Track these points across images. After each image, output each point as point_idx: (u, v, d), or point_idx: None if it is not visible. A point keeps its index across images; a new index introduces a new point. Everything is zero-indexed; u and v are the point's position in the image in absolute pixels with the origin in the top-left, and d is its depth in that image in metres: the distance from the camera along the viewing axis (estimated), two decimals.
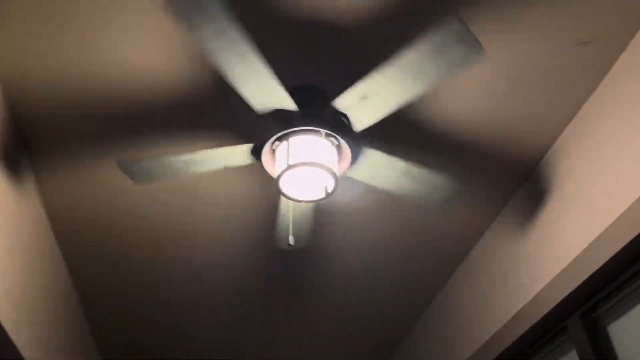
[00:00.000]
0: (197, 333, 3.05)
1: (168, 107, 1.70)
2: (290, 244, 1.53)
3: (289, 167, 1.49)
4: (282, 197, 1.72)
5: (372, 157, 1.63)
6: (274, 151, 1.60)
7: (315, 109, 1.55)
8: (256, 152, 1.63)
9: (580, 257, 1.72)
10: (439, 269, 2.59)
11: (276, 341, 3.20)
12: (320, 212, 2.19)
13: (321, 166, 1.49)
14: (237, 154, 1.63)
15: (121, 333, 2.99)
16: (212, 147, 1.82)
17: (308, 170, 1.50)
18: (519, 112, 1.80)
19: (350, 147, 1.57)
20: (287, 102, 1.47)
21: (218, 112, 1.73)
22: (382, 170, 1.65)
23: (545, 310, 1.86)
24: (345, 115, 1.50)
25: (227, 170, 1.95)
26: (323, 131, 1.52)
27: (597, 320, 1.77)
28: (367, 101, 1.45)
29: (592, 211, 1.66)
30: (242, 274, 2.56)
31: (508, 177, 2.05)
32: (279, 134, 1.53)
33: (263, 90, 1.42)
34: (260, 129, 1.78)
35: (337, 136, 1.53)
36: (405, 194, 1.73)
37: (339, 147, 1.59)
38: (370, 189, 2.08)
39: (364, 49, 1.55)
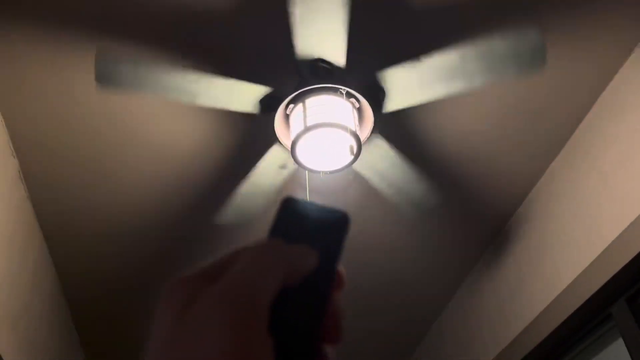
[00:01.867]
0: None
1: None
2: None
3: (306, 129, 1.33)
4: (267, 161, 1.50)
5: (399, 76, 1.43)
6: (287, 116, 1.44)
7: (355, 71, 1.38)
8: (265, 104, 1.43)
9: (623, 235, 1.56)
10: (462, 258, 2.42)
11: None
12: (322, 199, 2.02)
13: (344, 127, 1.33)
14: (244, 95, 1.37)
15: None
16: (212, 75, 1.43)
17: (326, 133, 1.34)
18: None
19: (371, 95, 1.40)
20: (336, 54, 1.29)
21: (235, 42, 1.46)
22: (383, 162, 1.49)
23: (586, 297, 1.69)
24: (383, 91, 1.34)
25: (216, 110, 1.58)
26: (344, 89, 1.36)
27: None
28: (416, 83, 1.30)
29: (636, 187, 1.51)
30: None
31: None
32: (300, 90, 1.36)
33: (319, 29, 1.22)
34: (276, 80, 1.48)
35: (359, 96, 1.38)
36: (389, 194, 1.59)
37: (359, 110, 1.43)
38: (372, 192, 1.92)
39: (424, 30, 1.41)
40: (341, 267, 0.30)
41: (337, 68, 1.33)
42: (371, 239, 2.24)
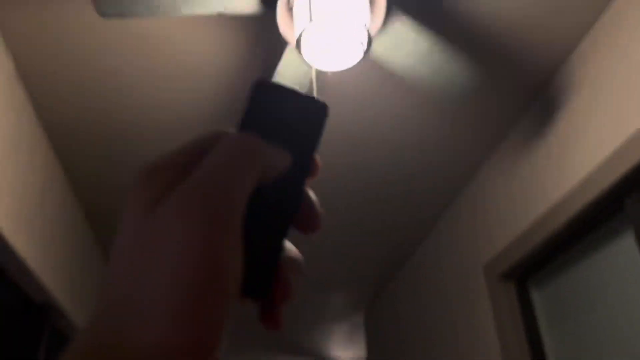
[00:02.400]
0: None
1: None
2: None
3: (313, 24, 1.22)
4: (285, 64, 1.43)
5: (400, 25, 1.34)
6: (290, 9, 1.32)
7: None
8: (266, 1, 1.32)
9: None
10: (471, 153, 2.37)
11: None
12: (331, 95, 1.93)
13: (352, 22, 1.22)
14: None
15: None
16: None
17: (336, 25, 1.23)
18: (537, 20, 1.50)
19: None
20: None
21: None
22: (407, 44, 1.36)
23: (601, 188, 1.67)
24: None
25: (220, 17, 1.55)
26: None
27: None
28: None
29: None
30: None
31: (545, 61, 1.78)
32: None
33: None
34: None
35: None
36: (422, 80, 1.46)
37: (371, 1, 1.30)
38: (388, 75, 1.80)
39: None
40: (317, 157, 0.29)
41: None
42: (390, 125, 2.19)
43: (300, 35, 1.24)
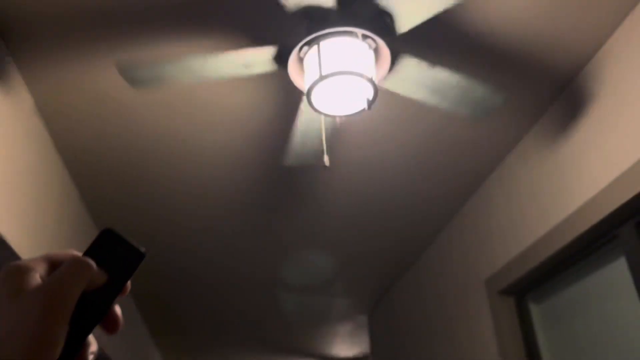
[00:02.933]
0: (198, 246, 3.01)
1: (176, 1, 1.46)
2: (325, 165, 1.37)
3: (322, 77, 1.29)
4: (303, 110, 1.53)
5: (410, 64, 1.42)
6: (301, 59, 1.39)
7: (353, 6, 1.31)
8: (279, 58, 1.42)
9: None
10: (469, 178, 2.45)
11: (288, 252, 3.17)
12: (340, 126, 2.01)
13: (359, 75, 1.29)
14: (257, 59, 1.40)
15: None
16: (225, 50, 1.60)
17: (343, 79, 1.31)
18: (562, 18, 1.57)
19: (389, 50, 1.36)
20: None
21: (235, 8, 1.50)
22: (418, 79, 1.43)
23: (597, 219, 1.74)
24: (389, 15, 1.27)
25: (240, 78, 1.74)
26: (360, 32, 1.30)
27: None
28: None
29: None
30: (249, 187, 2.44)
31: (549, 83, 1.84)
32: (309, 37, 1.31)
33: None
34: (283, 31, 1.55)
35: (375, 37, 1.31)
36: (442, 105, 1.54)
37: (376, 50, 1.37)
38: (396, 101, 1.88)
39: None
40: (128, 284, 0.44)
41: (329, 10, 1.26)
42: (372, 166, 2.26)
43: (311, 87, 1.31)
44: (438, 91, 1.47)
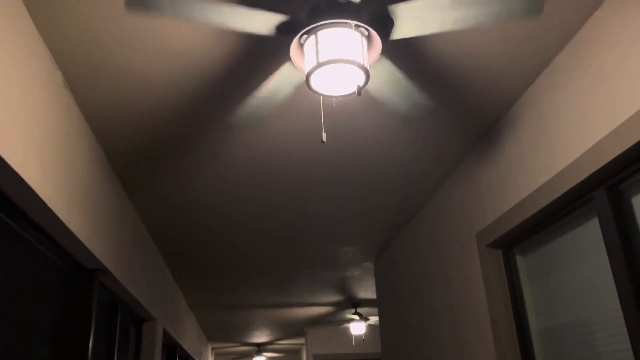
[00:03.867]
0: (215, 199, 3.23)
1: None
2: (323, 141, 1.55)
3: (318, 64, 1.45)
4: (280, 73, 1.68)
5: (408, 8, 1.52)
6: (302, 45, 1.55)
7: (362, 3, 1.45)
8: (280, 29, 1.54)
9: (613, 133, 1.72)
10: (462, 141, 2.61)
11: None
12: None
13: (351, 62, 1.45)
14: (262, 21, 1.48)
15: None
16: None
17: (337, 66, 1.46)
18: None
19: (378, 23, 1.50)
20: None
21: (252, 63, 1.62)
22: (429, 15, 1.54)
23: (574, 182, 1.92)
24: (391, 21, 1.41)
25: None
26: (352, 23, 1.45)
27: (622, 193, 1.83)
28: (423, 17, 1.35)
29: (627, 93, 1.63)
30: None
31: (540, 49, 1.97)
32: (308, 27, 1.46)
33: None
34: (292, 6, 1.61)
35: (368, 27, 1.46)
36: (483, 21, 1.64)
37: (368, 37, 1.52)
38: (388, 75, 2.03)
39: None
40: None
41: (353, 3, 1.40)
42: (372, 136, 2.42)
43: (309, 73, 1.48)
44: (456, 14, 1.55)
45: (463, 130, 2.55)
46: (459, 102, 2.30)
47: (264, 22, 1.49)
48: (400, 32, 1.46)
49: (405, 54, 1.84)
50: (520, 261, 2.50)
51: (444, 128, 2.52)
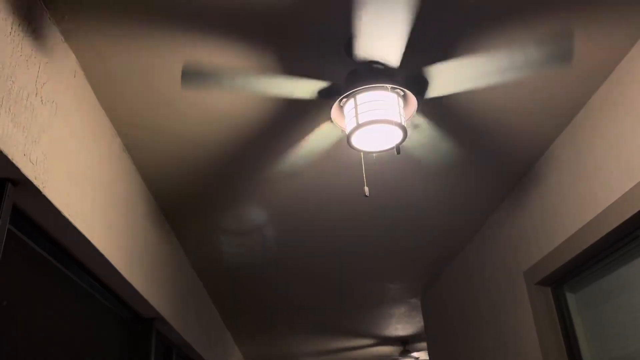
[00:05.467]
0: (263, 246, 3.33)
1: (240, 10, 1.50)
2: (366, 195, 1.63)
3: (358, 125, 1.55)
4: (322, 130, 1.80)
5: (443, 70, 1.59)
6: (341, 107, 1.65)
7: (406, 70, 1.55)
8: (322, 93, 1.64)
9: None
10: (505, 180, 2.64)
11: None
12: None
13: (388, 121, 1.54)
14: (304, 88, 1.60)
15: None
16: (276, 70, 1.72)
17: (377, 126, 1.55)
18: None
19: (413, 83, 1.59)
20: (394, 58, 1.46)
21: (299, 35, 1.59)
22: (462, 75, 1.61)
23: (620, 221, 1.92)
24: (427, 83, 1.51)
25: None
26: (389, 86, 1.54)
27: None
28: (456, 76, 1.44)
29: None
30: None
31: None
32: (348, 92, 1.56)
33: (380, 35, 1.36)
34: (334, 68, 1.72)
35: (403, 89, 1.55)
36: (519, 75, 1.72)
37: (404, 96, 1.61)
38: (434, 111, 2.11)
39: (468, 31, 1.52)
40: None
41: (390, 68, 1.50)
42: (407, 189, 2.49)
43: (350, 133, 1.57)
44: (488, 75, 1.63)
45: (499, 175, 2.58)
46: (496, 149, 2.35)
47: (305, 89, 1.61)
48: (435, 90, 1.54)
49: (440, 112, 1.93)
50: (571, 298, 2.48)
51: (480, 173, 2.56)
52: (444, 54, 1.62)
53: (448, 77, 1.50)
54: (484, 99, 1.94)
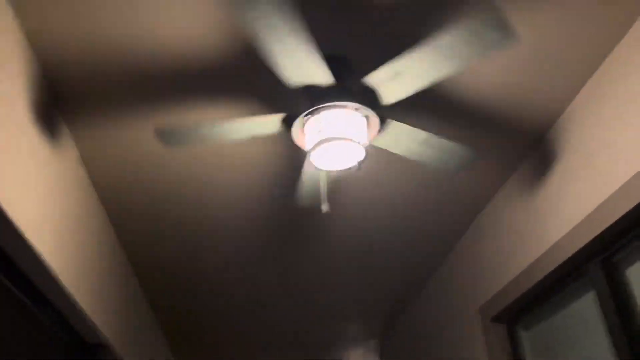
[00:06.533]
0: (217, 275, 3.27)
1: (199, 75, 1.76)
2: (326, 211, 1.63)
3: (321, 141, 1.56)
4: (307, 164, 1.81)
5: (396, 128, 1.69)
6: (303, 124, 1.67)
7: (346, 83, 1.59)
8: (285, 122, 1.69)
9: (604, 204, 1.80)
10: (455, 224, 2.71)
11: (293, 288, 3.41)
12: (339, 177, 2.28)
13: (351, 140, 1.56)
14: (267, 124, 1.69)
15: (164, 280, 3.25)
16: (242, 115, 1.90)
17: (338, 143, 1.58)
18: (531, 82, 1.85)
19: (378, 117, 1.63)
20: (323, 76, 1.51)
21: (248, 82, 1.80)
22: (404, 140, 1.71)
23: (567, 256, 1.97)
24: (374, 91, 1.55)
25: (254, 138, 2.05)
26: (353, 105, 1.58)
27: (616, 265, 1.88)
28: (398, 79, 1.49)
29: (612, 166, 1.72)
30: (264, 224, 2.71)
31: (524, 138, 2.10)
32: (310, 110, 1.59)
33: (300, 63, 1.43)
34: (288, 99, 1.84)
35: (365, 108, 1.59)
36: (425, 161, 1.81)
37: (367, 117, 1.65)
38: (390, 156, 2.16)
39: (397, 26, 1.58)
40: None
41: (329, 86, 1.55)
42: (371, 211, 2.52)
43: (312, 149, 1.59)
44: (418, 150, 1.75)
45: (458, 211, 2.64)
46: (454, 188, 2.41)
47: (270, 123, 1.66)
48: (387, 98, 1.58)
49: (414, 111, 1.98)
50: (524, 337, 2.49)
51: (439, 208, 2.61)
52: (381, 59, 1.69)
53: (391, 83, 1.54)
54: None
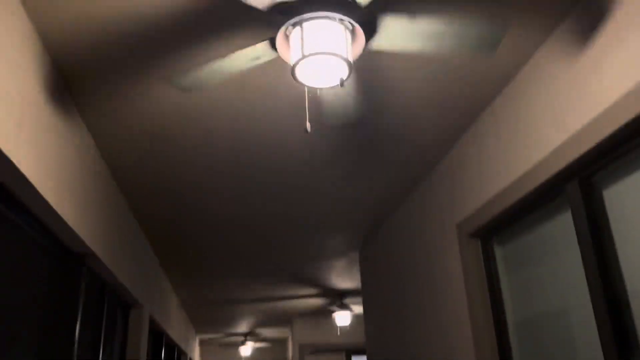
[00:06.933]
0: (207, 191, 3.29)
1: (187, 25, 1.76)
2: (307, 131, 1.60)
3: (303, 56, 1.50)
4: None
5: (393, 24, 1.57)
6: (288, 37, 1.60)
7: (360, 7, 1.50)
8: (274, 45, 1.63)
9: (587, 125, 1.80)
10: (444, 135, 2.68)
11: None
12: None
13: (335, 54, 1.50)
14: (261, 51, 1.64)
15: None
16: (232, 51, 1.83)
17: (322, 58, 1.52)
18: None
19: (362, 27, 1.55)
20: None
21: (227, 20, 1.74)
22: (408, 35, 1.59)
23: (549, 174, 1.99)
24: (376, 31, 1.46)
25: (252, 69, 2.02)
26: (337, 16, 1.50)
27: (594, 186, 1.91)
28: (405, 35, 1.40)
29: (598, 86, 1.71)
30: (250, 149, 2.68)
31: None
32: (290, 22, 1.51)
33: None
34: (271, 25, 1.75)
35: (349, 20, 1.51)
36: (443, 52, 1.70)
37: (352, 31, 1.58)
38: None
39: None
40: None
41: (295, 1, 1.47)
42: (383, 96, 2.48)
43: (294, 65, 1.53)
44: (429, 40, 1.61)
45: (442, 129, 2.62)
46: (440, 102, 2.37)
47: (263, 51, 1.60)
48: (381, 43, 1.51)
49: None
50: (499, 251, 2.58)
51: (423, 125, 2.59)
52: (404, 6, 1.59)
53: (396, 32, 1.47)
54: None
